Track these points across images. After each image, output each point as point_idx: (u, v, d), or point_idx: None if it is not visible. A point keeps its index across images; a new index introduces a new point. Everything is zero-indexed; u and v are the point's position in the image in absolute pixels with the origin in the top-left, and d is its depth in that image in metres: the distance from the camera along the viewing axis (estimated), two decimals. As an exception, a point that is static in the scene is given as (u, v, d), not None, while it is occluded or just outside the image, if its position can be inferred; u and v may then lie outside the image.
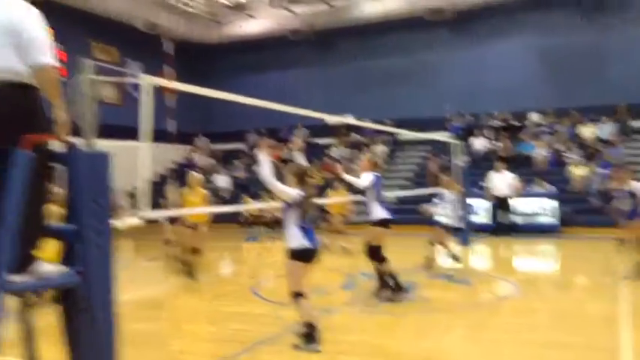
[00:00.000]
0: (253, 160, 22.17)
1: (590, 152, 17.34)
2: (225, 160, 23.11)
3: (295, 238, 5.38)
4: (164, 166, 22.47)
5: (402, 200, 17.71)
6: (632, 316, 6.45)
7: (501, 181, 15.22)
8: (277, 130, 23.03)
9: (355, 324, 6.57)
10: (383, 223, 7.47)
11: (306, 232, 5.40)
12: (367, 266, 9.19)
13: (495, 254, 13.00)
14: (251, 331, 6.17)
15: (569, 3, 19.49)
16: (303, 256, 5.38)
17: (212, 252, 11.37)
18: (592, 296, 7.90)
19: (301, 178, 5.57)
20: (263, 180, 5.43)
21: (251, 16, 22.82)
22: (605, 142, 17.71)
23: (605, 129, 18.23)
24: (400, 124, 18.39)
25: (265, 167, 5.46)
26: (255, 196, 18.97)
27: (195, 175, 9.60)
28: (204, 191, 9.68)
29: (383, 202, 7.60)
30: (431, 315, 6.79)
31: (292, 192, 5.45)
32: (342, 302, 7.58)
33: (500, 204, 15.15)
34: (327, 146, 21.92)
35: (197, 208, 8.93)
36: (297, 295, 5.36)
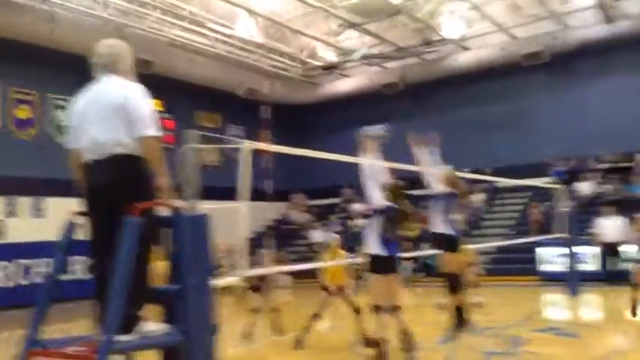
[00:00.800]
0: (348, 215, 22.43)
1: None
2: (321, 215, 23.43)
3: (374, 246, 5.38)
4: (261, 224, 23.18)
5: (500, 250, 17.12)
6: None
7: (610, 226, 14.34)
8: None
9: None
10: (450, 242, 7.15)
11: (387, 242, 5.37)
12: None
13: (606, 304, 12.16)
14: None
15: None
16: (379, 264, 5.34)
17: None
18: None
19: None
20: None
21: (345, 75, 23.52)
22: None
23: None
24: (499, 172, 18.01)
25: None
26: (351, 250, 19.07)
27: (333, 237, 9.06)
28: (344, 253, 8.89)
29: (451, 222, 7.38)
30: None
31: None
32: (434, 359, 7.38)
33: (610, 250, 14.24)
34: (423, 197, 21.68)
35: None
36: (377, 308, 5.29)
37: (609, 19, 16.56)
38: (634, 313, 8.93)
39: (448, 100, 22.80)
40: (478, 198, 20.65)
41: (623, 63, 19.66)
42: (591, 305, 12.03)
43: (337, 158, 6.18)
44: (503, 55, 20.32)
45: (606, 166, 18.95)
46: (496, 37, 20.08)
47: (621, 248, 14.13)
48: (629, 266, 10.38)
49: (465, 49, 20.89)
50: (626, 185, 17.74)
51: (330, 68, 21.30)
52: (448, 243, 7.33)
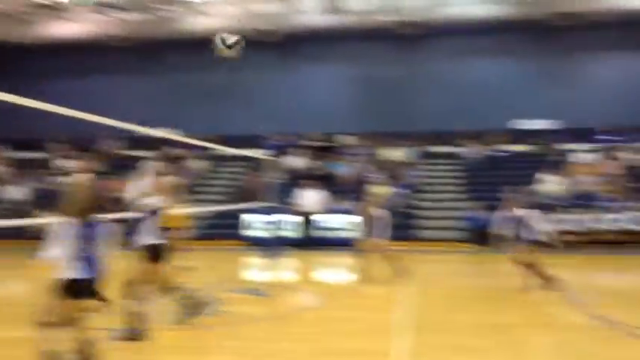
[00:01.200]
0: (54, 171, 20.59)
1: (393, 173, 18.89)
2: (24, 169, 21.00)
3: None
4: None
5: (217, 215, 17.72)
6: (415, 320, 7.15)
7: (309, 197, 15.94)
8: (88, 141, 21.71)
9: (148, 342, 6.39)
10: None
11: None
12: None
13: (302, 267, 13.54)
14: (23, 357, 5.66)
15: (386, 37, 21.26)
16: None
17: None
18: (386, 304, 8.58)
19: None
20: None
21: (66, 18, 21.28)
22: (407, 164, 19.44)
23: (407, 152, 20.03)
24: (222, 139, 18.44)
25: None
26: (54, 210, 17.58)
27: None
28: None
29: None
30: (229, 328, 6.86)
31: None
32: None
33: (310, 220, 15.89)
34: (143, 158, 21.09)
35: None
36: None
37: (335, 10, 18.29)
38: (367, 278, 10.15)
39: (178, 62, 22.49)
40: (199, 164, 20.91)
41: (340, 53, 21.94)
42: (289, 268, 13.24)
43: (48, 108, 5.37)
44: (234, 26, 20.74)
45: (315, 144, 20.92)
46: (229, 7, 20.45)
47: (318, 217, 15.90)
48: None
49: (199, 13, 20.77)
50: (328, 163, 19.84)
51: (52, 8, 19.02)
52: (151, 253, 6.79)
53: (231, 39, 4.95)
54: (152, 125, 7.85)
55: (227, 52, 4.83)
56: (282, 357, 5.74)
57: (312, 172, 19.09)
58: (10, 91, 5.01)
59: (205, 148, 20.34)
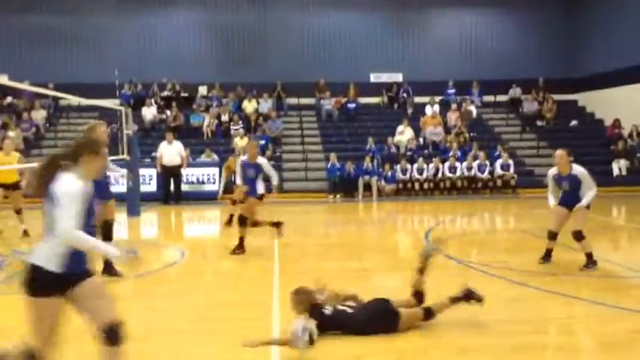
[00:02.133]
0: None
1: (252, 125, 18.81)
2: None
3: None
4: None
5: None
6: (281, 267, 7.30)
7: (171, 151, 15.37)
8: None
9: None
10: None
11: None
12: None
13: (164, 223, 13.16)
14: None
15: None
16: None
17: None
18: (253, 256, 8.64)
19: None
20: None
21: None
22: (264, 116, 19.41)
23: (264, 104, 19.97)
24: (64, 88, 16.95)
25: None
26: None
27: None
28: None
29: None
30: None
31: None
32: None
33: (170, 173, 15.35)
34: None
35: None
36: None
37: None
38: (229, 223, 10.77)
39: (10, 0, 20.11)
40: (39, 114, 19.15)
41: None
42: (151, 224, 12.78)
43: None
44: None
45: (168, 94, 20.06)
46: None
47: (181, 171, 15.41)
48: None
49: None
50: (186, 114, 19.18)
51: None
52: None
53: (314, 331, 4.12)
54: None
55: (307, 346, 4.06)
56: (153, 314, 5.58)
57: (170, 125, 18.38)
58: None
59: (46, 97, 18.73)
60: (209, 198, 15.21)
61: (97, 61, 19.85)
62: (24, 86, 10.76)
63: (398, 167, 16.68)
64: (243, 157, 8.81)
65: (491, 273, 6.99)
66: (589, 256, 7.10)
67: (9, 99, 19.64)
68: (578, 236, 7.08)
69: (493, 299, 5.66)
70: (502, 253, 8.50)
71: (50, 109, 19.88)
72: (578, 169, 7.17)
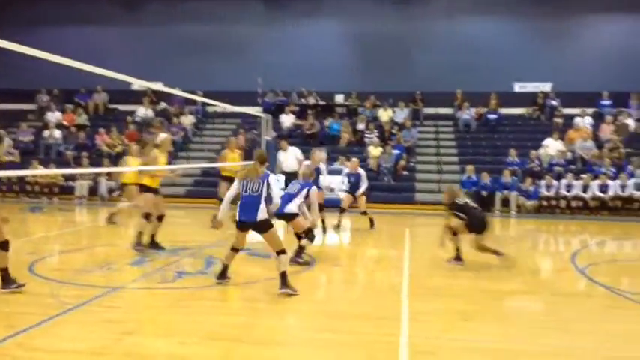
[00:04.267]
0: (44, 124, 20.09)
1: (386, 134, 18.61)
2: (9, 121, 20.42)
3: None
4: None
5: (205, 173, 17.43)
6: (411, 280, 6.99)
7: (288, 157, 15.44)
8: (73, 92, 21.18)
9: (145, 301, 6.18)
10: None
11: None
12: (163, 242, 8.84)
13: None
14: (26, 313, 5.45)
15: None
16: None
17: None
18: (380, 265, 8.43)
19: None
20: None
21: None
22: (399, 125, 19.13)
23: (400, 114, 19.69)
24: (210, 95, 17.95)
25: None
26: (45, 163, 17.24)
27: None
28: None
29: None
30: (227, 289, 6.66)
31: None
32: (130, 279, 7.09)
33: (290, 178, 15.40)
34: (130, 113, 20.67)
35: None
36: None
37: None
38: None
39: (165, 13, 21.79)
40: (188, 120, 20.47)
41: (333, 9, 21.31)
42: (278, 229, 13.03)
43: (35, 54, 4.97)
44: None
45: (307, 102, 20.47)
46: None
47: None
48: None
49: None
50: (323, 122, 19.44)
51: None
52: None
53: None
54: (137, 78, 7.40)
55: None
56: (284, 313, 5.55)
57: (306, 132, 18.78)
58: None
59: (194, 103, 19.94)
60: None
61: (242, 70, 20.78)
62: (177, 92, 11.47)
63: (542, 183, 15.57)
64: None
65: (651, 306, 6.15)
66: None
67: (163, 104, 21.18)
68: None
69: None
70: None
71: (198, 114, 21.15)
72: None
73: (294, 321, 5.63)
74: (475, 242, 8.02)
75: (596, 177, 15.45)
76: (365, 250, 10.17)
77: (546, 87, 20.14)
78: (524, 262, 8.59)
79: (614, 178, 15.33)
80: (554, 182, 15.52)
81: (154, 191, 8.84)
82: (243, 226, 6.40)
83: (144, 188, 8.85)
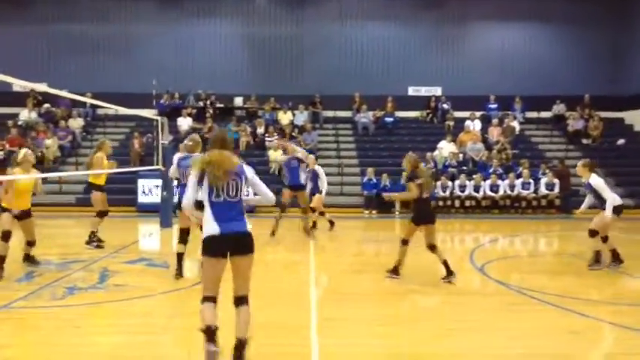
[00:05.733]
0: None
1: (286, 137, 18.50)
2: None
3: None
4: None
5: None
6: (316, 283, 6.89)
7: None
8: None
9: (31, 322, 5.62)
10: None
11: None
12: (53, 254, 8.21)
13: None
14: None
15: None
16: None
17: None
18: (288, 269, 8.29)
19: None
20: None
21: None
22: (300, 128, 19.13)
23: (300, 116, 19.70)
24: (101, 97, 16.98)
25: None
26: None
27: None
28: None
29: None
30: (122, 305, 6.22)
31: None
32: (15, 297, 6.44)
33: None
34: (12, 116, 19.12)
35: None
36: None
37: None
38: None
39: (51, 9, 20.41)
40: (76, 123, 19.28)
41: (227, 10, 20.91)
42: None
43: None
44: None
45: (204, 105, 19.94)
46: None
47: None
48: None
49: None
50: (222, 125, 19.00)
51: None
52: None
53: None
54: (20, 78, 6.75)
55: None
56: (179, 332, 5.24)
57: (204, 136, 18.22)
58: None
59: (84, 105, 18.84)
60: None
61: (135, 71, 19.90)
62: (63, 94, 10.67)
63: (438, 184, 16.14)
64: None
65: (545, 300, 6.46)
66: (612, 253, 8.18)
67: (47, 106, 19.79)
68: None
69: (549, 331, 5.19)
70: (553, 277, 7.91)
71: (87, 117, 19.98)
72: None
73: (198, 335, 5.32)
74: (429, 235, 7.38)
75: (486, 177, 16.27)
76: (267, 255, 9.98)
77: (438, 91, 20.99)
78: (425, 262, 8.77)
79: (503, 179, 16.21)
80: (449, 183, 16.17)
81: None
82: (220, 242, 4.23)
83: None
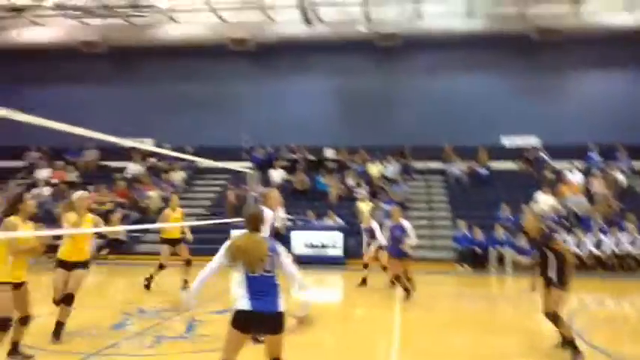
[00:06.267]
0: (33, 182, 19.85)
1: (376, 189, 18.47)
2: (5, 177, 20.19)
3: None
4: None
5: (196, 230, 17.06)
6: (402, 342, 6.66)
7: (271, 213, 15.21)
8: (64, 150, 21.06)
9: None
10: None
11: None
12: (148, 302, 8.51)
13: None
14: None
15: (363, 48, 20.75)
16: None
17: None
18: (371, 326, 8.09)
19: None
20: None
21: (38, 24, 20.66)
22: (389, 180, 19.03)
23: (390, 168, 19.62)
24: (200, 151, 17.94)
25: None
26: (34, 221, 16.84)
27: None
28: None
29: None
30: (210, 355, 6.30)
31: None
32: (106, 345, 6.71)
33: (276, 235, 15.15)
34: (121, 169, 20.53)
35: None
36: None
37: (308, 21, 17.77)
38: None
39: (154, 71, 21.95)
40: (178, 175, 20.32)
41: (319, 64, 21.52)
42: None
43: (20, 118, 4.77)
44: (211, 36, 20.35)
45: (295, 157, 20.40)
46: (205, 15, 20.02)
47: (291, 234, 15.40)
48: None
49: (174, 21, 20.34)
50: (313, 177, 19.33)
51: (17, 11, 18.29)
52: None
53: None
54: (128, 136, 7.23)
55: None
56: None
57: (295, 187, 18.65)
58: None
59: (183, 160, 19.83)
60: (330, 262, 14.96)
61: (231, 125, 20.83)
62: (163, 151, 11.30)
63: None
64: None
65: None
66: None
67: (152, 160, 21.05)
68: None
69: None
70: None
71: (189, 170, 21.01)
72: None
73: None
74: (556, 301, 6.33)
75: (588, 231, 15.25)
76: (353, 310, 9.84)
77: (534, 140, 20.23)
78: (521, 322, 8.29)
79: (607, 234, 15.13)
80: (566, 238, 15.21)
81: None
82: (250, 319, 4.27)
83: None
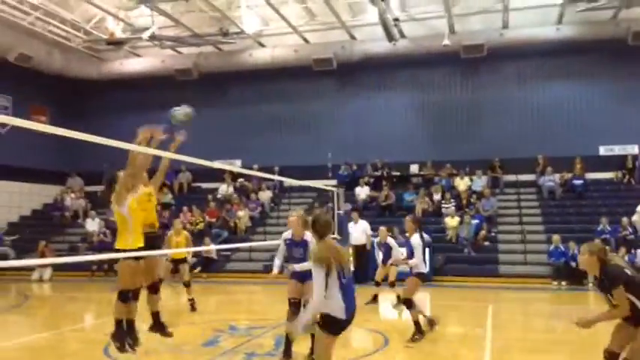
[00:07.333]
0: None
1: (464, 203, 18.05)
2: (99, 203, 21.52)
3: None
4: (29, 207, 20.68)
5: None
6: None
7: (357, 230, 15.17)
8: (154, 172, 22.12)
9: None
10: None
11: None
12: (238, 319, 8.75)
13: (360, 304, 12.85)
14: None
15: (447, 62, 20.45)
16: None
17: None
18: (462, 344, 7.90)
19: None
20: None
21: (136, 54, 22.07)
22: (478, 194, 18.54)
23: (478, 182, 19.13)
24: (286, 170, 18.32)
25: None
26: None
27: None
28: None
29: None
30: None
31: None
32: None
33: (357, 252, 15.05)
34: (213, 190, 21.34)
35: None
36: None
37: (391, 38, 17.75)
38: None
39: (242, 94, 22.66)
40: (265, 195, 20.83)
41: (402, 80, 21.38)
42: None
43: (121, 145, 5.13)
44: (296, 57, 20.80)
45: (379, 174, 20.34)
46: (290, 38, 20.50)
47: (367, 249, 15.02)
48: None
49: (262, 45, 20.99)
50: (398, 192, 19.20)
51: (116, 43, 19.59)
52: None
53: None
54: (219, 158, 7.57)
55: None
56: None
57: (381, 204, 18.61)
58: (85, 126, 4.81)
59: (270, 180, 20.32)
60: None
61: (316, 144, 21.10)
62: (251, 172, 11.66)
63: (638, 252, 14.38)
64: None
65: None
66: None
67: (241, 180, 21.73)
68: None
69: None
70: None
71: (275, 190, 21.50)
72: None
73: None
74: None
75: None
76: (443, 327, 9.61)
77: (635, 149, 19.02)
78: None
79: None
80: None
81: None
82: (347, 323, 4.61)
83: None
